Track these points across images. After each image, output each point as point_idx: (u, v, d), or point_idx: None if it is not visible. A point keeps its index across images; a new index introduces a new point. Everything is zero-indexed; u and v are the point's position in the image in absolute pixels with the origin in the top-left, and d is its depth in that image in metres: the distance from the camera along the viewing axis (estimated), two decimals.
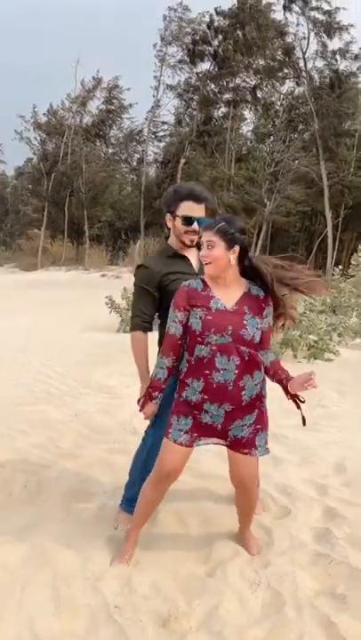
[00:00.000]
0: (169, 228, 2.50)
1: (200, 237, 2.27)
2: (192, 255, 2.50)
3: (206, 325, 2.06)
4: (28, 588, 2.11)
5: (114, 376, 5.85)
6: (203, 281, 2.17)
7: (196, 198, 2.39)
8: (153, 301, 2.43)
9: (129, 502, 2.56)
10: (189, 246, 2.46)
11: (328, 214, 29.53)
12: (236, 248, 2.09)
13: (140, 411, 2.32)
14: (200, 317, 2.08)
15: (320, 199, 30.36)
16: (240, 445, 2.17)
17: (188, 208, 2.38)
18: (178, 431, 2.15)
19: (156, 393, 2.25)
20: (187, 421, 2.14)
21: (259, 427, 2.20)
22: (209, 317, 2.07)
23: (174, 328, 2.16)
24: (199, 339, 2.08)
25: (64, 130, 36.62)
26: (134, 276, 2.48)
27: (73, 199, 35.05)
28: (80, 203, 34.29)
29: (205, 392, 2.09)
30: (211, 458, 3.27)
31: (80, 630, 1.91)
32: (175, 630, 1.90)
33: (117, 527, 2.57)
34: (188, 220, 2.39)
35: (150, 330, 2.47)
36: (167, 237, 2.55)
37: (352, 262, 8.89)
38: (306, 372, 2.08)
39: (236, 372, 2.06)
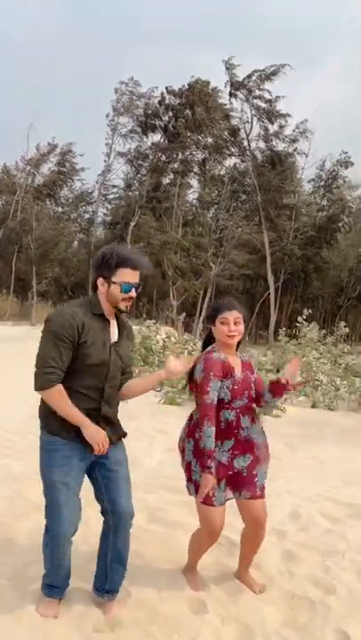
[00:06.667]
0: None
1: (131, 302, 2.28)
2: (112, 322, 2.33)
3: (234, 394, 2.40)
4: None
5: None
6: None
7: (135, 266, 2.23)
8: (69, 352, 2.14)
9: (49, 587, 2.38)
10: (123, 312, 2.31)
11: (270, 279, 31.36)
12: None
13: (201, 493, 2.31)
14: (228, 387, 2.38)
15: (262, 264, 32.32)
16: (261, 494, 2.53)
17: (127, 275, 2.21)
18: (220, 494, 2.42)
19: (211, 462, 2.30)
20: (222, 484, 2.44)
21: (266, 473, 2.60)
22: (235, 387, 2.41)
23: (215, 396, 2.34)
24: (227, 405, 2.39)
25: (15, 189, 37.16)
26: (48, 320, 2.19)
27: (22, 255, 35.05)
28: (29, 259, 34.33)
29: (235, 449, 2.43)
30: (179, 507, 3.49)
31: None
32: None
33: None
34: (126, 288, 2.21)
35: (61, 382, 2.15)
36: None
37: (298, 324, 9.51)
38: (289, 365, 2.57)
39: (252, 425, 2.46)
